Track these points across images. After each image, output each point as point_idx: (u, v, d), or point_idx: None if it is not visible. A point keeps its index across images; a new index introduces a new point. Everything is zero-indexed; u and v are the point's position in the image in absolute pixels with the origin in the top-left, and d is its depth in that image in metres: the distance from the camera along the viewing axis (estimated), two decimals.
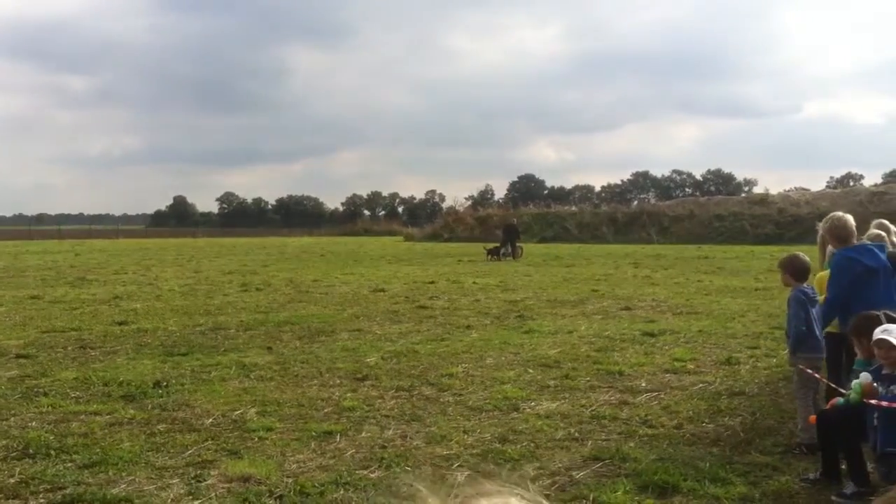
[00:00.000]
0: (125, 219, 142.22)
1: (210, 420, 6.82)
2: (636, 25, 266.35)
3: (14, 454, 5.87)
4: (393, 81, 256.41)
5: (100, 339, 11.22)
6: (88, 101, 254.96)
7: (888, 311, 5.16)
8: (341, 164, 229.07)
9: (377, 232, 75.36)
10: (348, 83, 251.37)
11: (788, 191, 59.19)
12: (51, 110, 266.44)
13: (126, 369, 8.98)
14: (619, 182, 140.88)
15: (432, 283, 20.20)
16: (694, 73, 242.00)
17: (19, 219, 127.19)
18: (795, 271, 6.24)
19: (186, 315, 13.78)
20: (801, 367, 5.93)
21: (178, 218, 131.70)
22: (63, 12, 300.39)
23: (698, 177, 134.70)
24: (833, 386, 5.41)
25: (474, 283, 20.10)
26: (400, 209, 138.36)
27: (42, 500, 5.05)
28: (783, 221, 47.04)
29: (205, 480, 5.33)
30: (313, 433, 6.38)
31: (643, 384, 8.19)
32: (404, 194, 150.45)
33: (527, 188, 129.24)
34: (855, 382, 4.74)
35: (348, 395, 7.74)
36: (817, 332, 6.11)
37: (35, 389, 7.99)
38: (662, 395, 7.72)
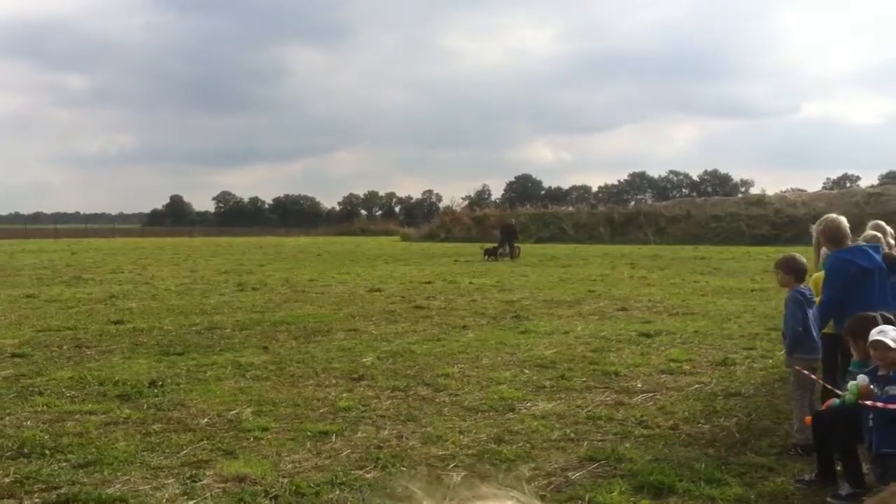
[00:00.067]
0: (121, 218, 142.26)
1: (205, 420, 6.81)
2: (634, 26, 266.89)
3: (9, 454, 5.85)
4: (391, 81, 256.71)
5: (95, 338, 11.20)
6: (85, 99, 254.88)
7: (884, 312, 5.16)
8: (338, 164, 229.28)
9: (374, 232, 75.31)
10: (346, 83, 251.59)
11: (785, 192, 59.27)
12: (47, 109, 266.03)
13: (121, 369, 8.96)
14: (616, 182, 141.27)
15: (429, 283, 20.20)
16: (692, 73, 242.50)
17: (15, 217, 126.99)
18: (794, 272, 6.25)
19: (182, 314, 13.76)
20: (797, 367, 5.94)
21: (175, 217, 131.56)
22: (60, 11, 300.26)
23: (695, 177, 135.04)
24: (829, 387, 5.41)
25: (471, 283, 20.10)
26: (397, 209, 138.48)
27: (37, 500, 5.03)
28: (780, 222, 47.10)
29: (200, 480, 5.32)
30: (309, 433, 6.37)
31: (639, 385, 8.20)
32: (401, 194, 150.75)
33: (524, 188, 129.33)
34: (851, 383, 4.74)
35: (344, 395, 7.73)
36: (814, 334, 6.11)
37: (30, 388, 7.98)
38: (658, 396, 7.72)
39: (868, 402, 4.57)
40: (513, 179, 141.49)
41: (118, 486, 5.23)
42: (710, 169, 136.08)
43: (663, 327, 12.11)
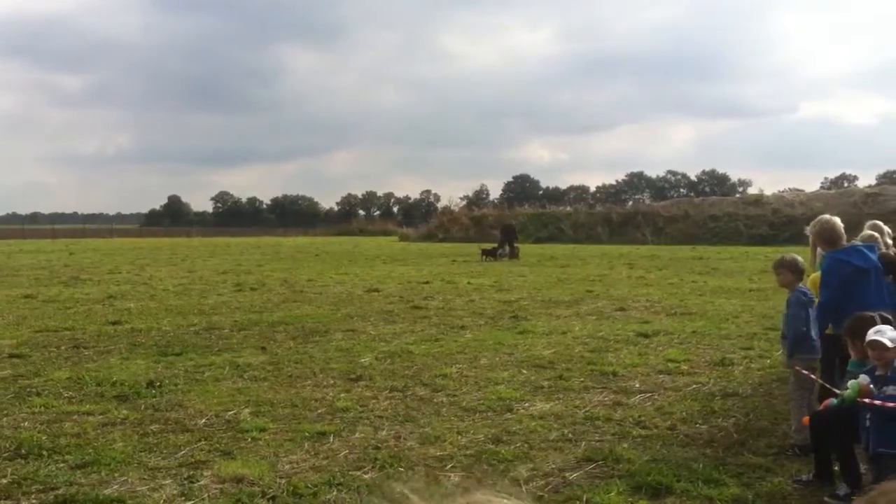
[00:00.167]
0: (119, 218, 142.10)
1: (203, 420, 6.81)
2: (632, 26, 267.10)
3: (6, 454, 5.85)
4: (388, 81, 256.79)
5: (93, 338, 11.19)
6: (82, 99, 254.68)
7: (882, 313, 5.17)
8: (336, 164, 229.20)
9: (372, 232, 75.32)
10: (343, 83, 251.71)
11: (783, 191, 59.31)
12: (44, 108, 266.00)
13: (119, 369, 8.95)
14: (614, 182, 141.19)
15: (427, 283, 20.20)
16: (689, 73, 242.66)
17: (13, 218, 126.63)
18: (799, 272, 6.27)
19: (180, 315, 13.75)
20: (797, 368, 5.94)
21: (173, 217, 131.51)
22: (57, 10, 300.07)
23: (693, 177, 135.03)
24: (828, 386, 5.41)
25: (469, 283, 20.10)
26: (395, 209, 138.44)
27: (34, 501, 5.03)
28: (777, 222, 47.13)
29: (198, 481, 5.32)
30: (307, 434, 6.37)
31: (637, 385, 8.20)
32: (399, 194, 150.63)
33: (522, 188, 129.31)
34: (852, 381, 4.74)
35: (342, 395, 7.73)
36: (813, 334, 6.12)
37: (28, 389, 7.97)
38: (656, 396, 7.73)
39: (866, 401, 4.57)
40: (511, 179, 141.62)
41: (116, 486, 5.22)
42: (707, 169, 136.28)
43: (661, 327, 12.12)
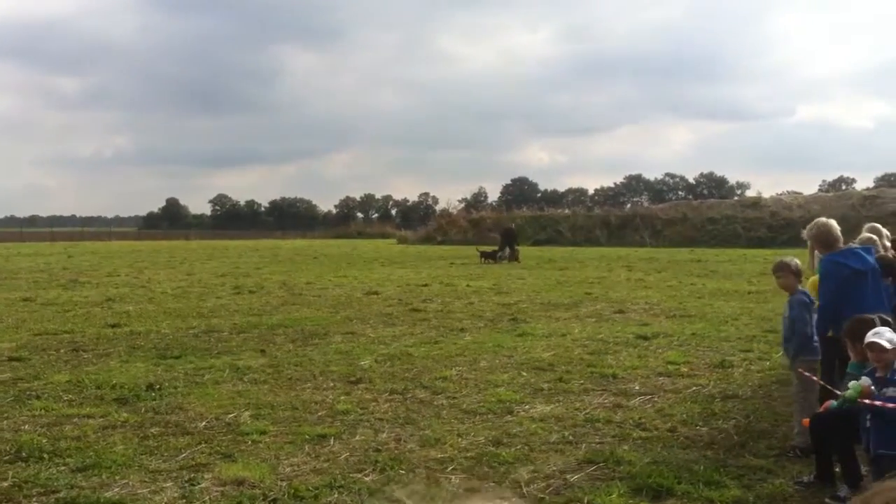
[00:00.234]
0: (117, 221, 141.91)
1: (203, 423, 6.81)
2: (630, 28, 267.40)
3: (7, 458, 5.84)
4: (386, 83, 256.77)
5: (92, 341, 11.19)
6: (80, 101, 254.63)
7: (882, 315, 5.18)
8: (334, 166, 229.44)
9: (370, 234, 75.33)
10: (341, 85, 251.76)
11: (781, 194, 59.36)
12: (42, 111, 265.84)
13: (119, 372, 8.95)
14: (613, 185, 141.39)
15: (426, 285, 20.20)
16: (687, 76, 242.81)
17: (11, 221, 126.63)
18: (799, 273, 6.28)
19: (179, 318, 13.74)
20: (800, 370, 5.94)
21: (171, 220, 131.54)
22: (54, 12, 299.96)
23: (691, 180, 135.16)
24: (829, 387, 5.42)
25: (468, 285, 20.11)
26: (393, 212, 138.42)
27: None
28: (776, 225, 47.17)
29: (198, 484, 5.31)
30: (307, 436, 6.37)
31: (637, 387, 8.21)
32: (397, 197, 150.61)
33: (520, 191, 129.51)
34: (853, 382, 4.75)
35: (342, 398, 7.73)
36: (814, 336, 6.13)
37: (27, 392, 7.96)
38: (656, 399, 7.73)
39: (867, 401, 4.58)
40: (509, 182, 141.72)
41: (116, 489, 5.22)
42: (706, 171, 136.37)
43: (660, 330, 12.13)
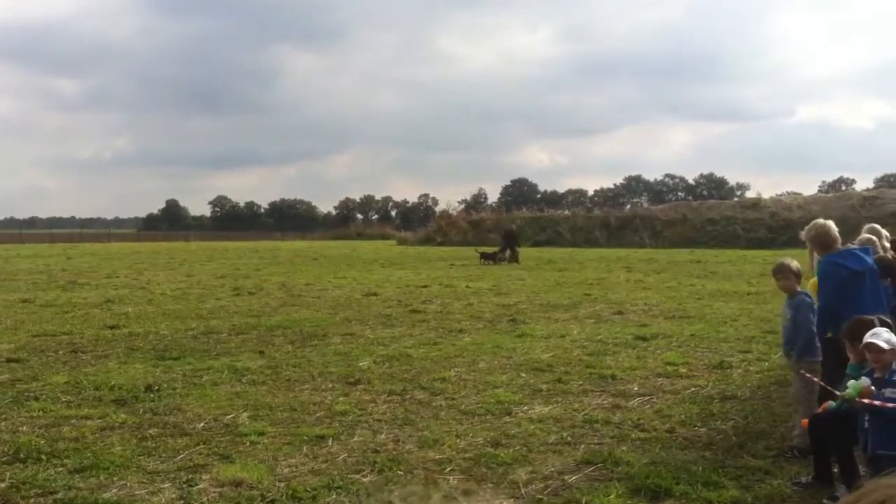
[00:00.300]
0: (117, 222, 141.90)
1: (202, 424, 6.81)
2: (630, 28, 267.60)
3: (5, 459, 5.84)
4: (386, 84, 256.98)
5: (91, 342, 11.18)
6: (80, 103, 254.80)
7: (881, 316, 5.18)
8: (334, 167, 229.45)
9: (370, 236, 75.35)
10: (341, 86, 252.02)
11: (780, 195, 59.44)
12: (42, 113, 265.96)
13: (117, 373, 8.95)
14: (612, 186, 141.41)
15: (425, 287, 20.20)
16: (687, 76, 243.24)
17: (10, 222, 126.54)
18: (799, 275, 6.28)
19: (178, 319, 13.74)
20: (802, 371, 5.94)
21: (171, 221, 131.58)
22: (55, 14, 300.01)
23: (691, 181, 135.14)
24: (829, 388, 5.42)
25: (467, 286, 20.11)
26: (393, 213, 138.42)
27: None
28: (775, 226, 47.18)
29: (196, 485, 5.31)
30: (305, 437, 6.37)
31: (635, 388, 8.21)
32: (397, 198, 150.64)
33: (520, 192, 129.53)
34: (853, 381, 4.74)
35: (340, 399, 7.73)
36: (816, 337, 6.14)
37: (26, 394, 7.96)
38: (655, 399, 7.73)
39: (865, 400, 4.58)
40: (509, 183, 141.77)
41: (114, 490, 5.22)
42: (705, 172, 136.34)
43: (659, 331, 12.13)
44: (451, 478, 5.43)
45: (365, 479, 5.43)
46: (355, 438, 6.39)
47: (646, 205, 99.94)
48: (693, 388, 8.21)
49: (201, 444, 6.20)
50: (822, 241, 6.49)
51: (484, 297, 17.36)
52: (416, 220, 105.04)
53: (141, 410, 7.26)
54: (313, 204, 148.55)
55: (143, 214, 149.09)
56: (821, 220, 6.67)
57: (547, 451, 6.07)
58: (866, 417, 4.66)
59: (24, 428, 6.70)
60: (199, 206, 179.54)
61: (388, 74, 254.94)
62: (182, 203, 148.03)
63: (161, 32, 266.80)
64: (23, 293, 18.33)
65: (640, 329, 12.28)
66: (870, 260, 6.31)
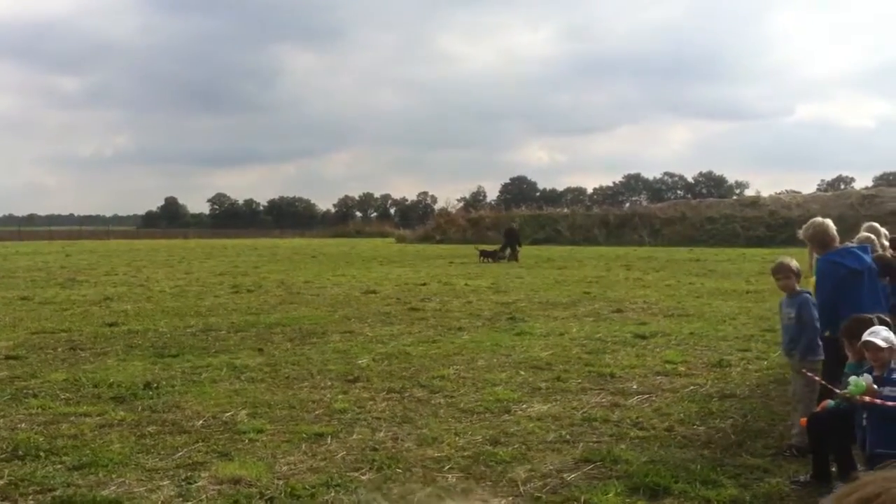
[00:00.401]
0: (116, 220, 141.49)
1: (200, 422, 6.81)
2: (630, 28, 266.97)
3: (3, 456, 5.84)
4: (386, 83, 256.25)
5: (90, 340, 11.18)
6: (80, 101, 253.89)
7: (880, 314, 5.18)
8: (334, 165, 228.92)
9: (369, 233, 75.30)
10: (340, 84, 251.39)
11: (780, 193, 59.36)
12: (42, 110, 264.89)
13: (116, 371, 8.95)
14: (611, 184, 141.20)
15: (424, 284, 20.20)
16: (686, 75, 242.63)
17: (9, 219, 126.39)
18: (798, 274, 6.28)
19: (177, 316, 13.74)
20: (804, 370, 5.94)
21: (170, 219, 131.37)
22: (54, 12, 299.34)
23: (690, 179, 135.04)
24: (830, 386, 5.42)
25: (466, 284, 20.10)
26: (392, 210, 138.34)
27: (32, 502, 5.03)
28: (774, 224, 47.19)
29: (195, 482, 5.31)
30: (304, 435, 6.37)
31: (634, 386, 8.21)
32: (396, 196, 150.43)
33: (519, 190, 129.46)
34: (855, 378, 4.74)
35: (339, 396, 7.73)
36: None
37: (25, 391, 7.96)
38: (654, 398, 7.73)
39: (867, 399, 4.57)
40: (508, 181, 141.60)
41: (113, 487, 5.22)
42: (704, 171, 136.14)
43: (658, 329, 12.13)
44: (450, 476, 5.44)
45: (364, 477, 5.43)
46: (354, 436, 6.39)
47: (645, 203, 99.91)
48: (692, 387, 8.21)
49: (200, 442, 6.20)
50: (820, 239, 6.49)
51: (483, 295, 17.36)
52: (415, 217, 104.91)
53: (140, 408, 7.26)
54: (312, 202, 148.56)
55: (142, 212, 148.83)
56: (819, 219, 6.67)
57: (546, 449, 6.07)
58: (864, 416, 4.66)
59: (23, 425, 6.70)
60: (198, 204, 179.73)
61: (388, 73, 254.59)
62: (181, 201, 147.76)
63: (162, 30, 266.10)
64: (21, 290, 18.32)
65: (639, 327, 12.29)
66: (868, 258, 6.31)
